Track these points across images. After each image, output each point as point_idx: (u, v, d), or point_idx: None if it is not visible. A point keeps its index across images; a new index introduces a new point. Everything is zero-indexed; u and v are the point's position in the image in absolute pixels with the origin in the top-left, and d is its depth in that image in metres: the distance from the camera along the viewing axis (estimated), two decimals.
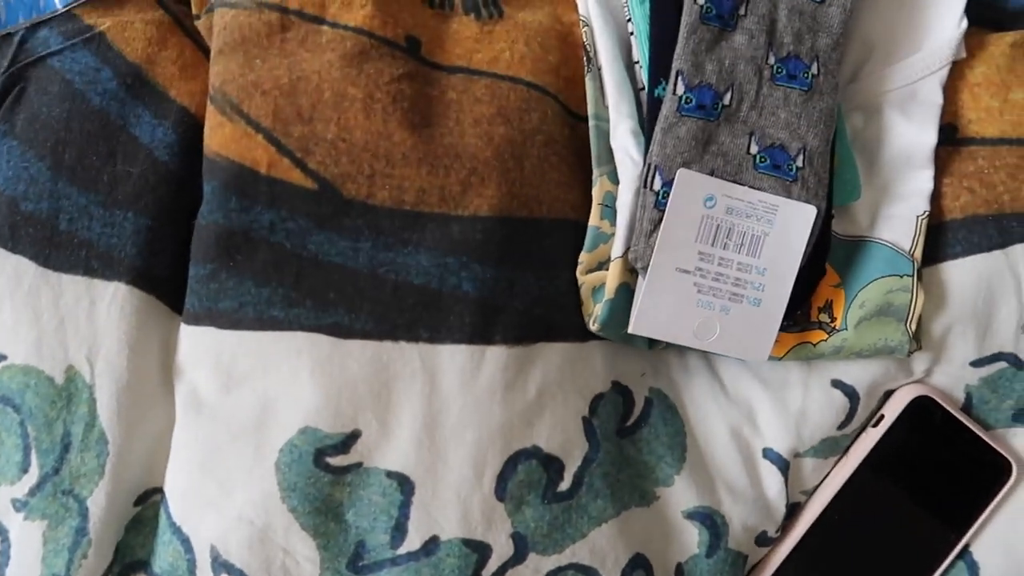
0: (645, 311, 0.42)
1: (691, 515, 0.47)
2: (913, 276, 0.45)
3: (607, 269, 0.44)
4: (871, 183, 0.48)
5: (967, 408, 0.49)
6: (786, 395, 0.47)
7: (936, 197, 0.47)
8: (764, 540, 0.48)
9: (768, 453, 0.47)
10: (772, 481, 0.47)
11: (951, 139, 0.48)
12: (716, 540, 0.47)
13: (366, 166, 0.43)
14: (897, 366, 0.48)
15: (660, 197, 0.43)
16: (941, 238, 0.47)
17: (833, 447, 0.48)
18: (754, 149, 0.44)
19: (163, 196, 0.44)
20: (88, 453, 0.42)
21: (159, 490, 0.44)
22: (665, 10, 0.44)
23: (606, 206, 0.45)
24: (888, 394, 0.49)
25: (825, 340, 0.45)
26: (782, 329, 0.45)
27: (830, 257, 0.47)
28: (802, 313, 0.46)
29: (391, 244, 0.43)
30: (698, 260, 0.42)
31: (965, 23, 0.47)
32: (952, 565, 0.49)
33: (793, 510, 0.49)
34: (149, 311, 0.43)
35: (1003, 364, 0.48)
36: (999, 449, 0.48)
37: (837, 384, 0.47)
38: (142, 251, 0.43)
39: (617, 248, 0.44)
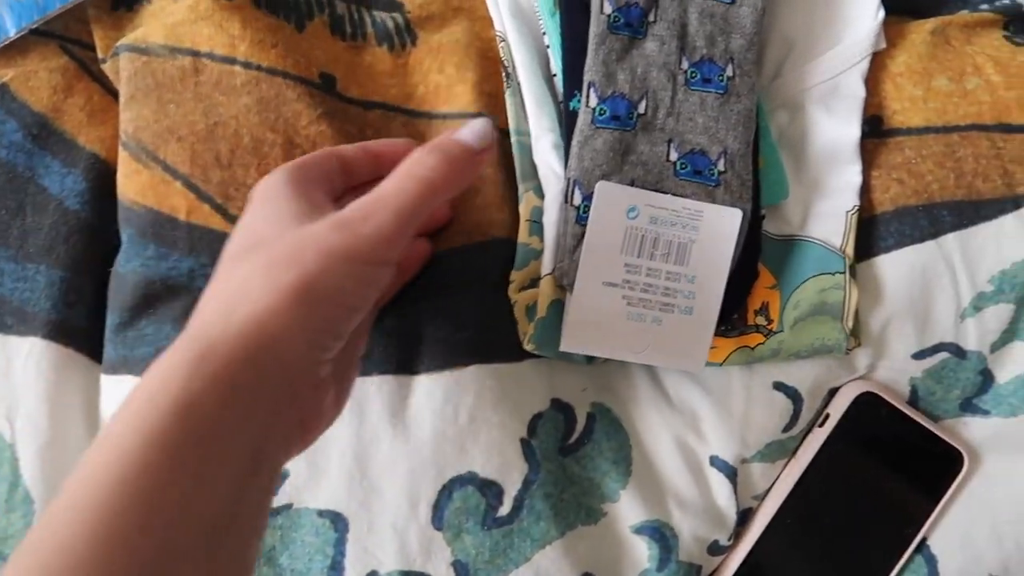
0: (575, 328, 0.42)
1: (639, 530, 0.46)
2: (845, 273, 0.45)
3: (539, 286, 0.44)
4: (800, 180, 0.47)
5: (913, 401, 0.48)
6: (729, 401, 0.47)
7: (866, 190, 0.46)
8: (717, 549, 0.48)
9: (715, 461, 0.47)
10: (721, 489, 0.47)
11: (877, 131, 0.47)
12: (667, 554, 0.46)
13: None
14: (839, 364, 0.47)
15: (581, 212, 0.42)
16: (873, 232, 0.46)
17: (780, 450, 0.47)
18: (674, 156, 0.43)
19: (76, 246, 0.43)
20: (14, 514, 0.41)
21: None
22: (575, 22, 0.44)
23: (534, 222, 0.45)
24: (832, 393, 0.48)
25: (763, 343, 0.45)
26: (720, 334, 0.45)
27: (765, 258, 0.46)
28: (739, 317, 0.46)
29: None
30: (625, 272, 0.42)
31: (883, 13, 0.46)
32: (910, 560, 0.48)
33: (745, 516, 0.48)
34: (68, 364, 0.43)
35: (945, 355, 0.47)
36: (949, 440, 0.48)
37: (779, 387, 0.47)
38: (57, 304, 0.43)
39: (546, 265, 0.43)
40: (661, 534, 0.46)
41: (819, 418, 0.48)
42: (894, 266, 0.46)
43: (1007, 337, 0.47)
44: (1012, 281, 0.45)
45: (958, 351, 0.47)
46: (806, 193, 0.47)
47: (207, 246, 0.42)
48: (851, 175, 0.46)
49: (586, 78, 0.43)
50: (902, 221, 0.46)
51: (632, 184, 0.42)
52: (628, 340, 0.42)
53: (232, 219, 0.42)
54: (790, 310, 0.45)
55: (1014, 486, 0.48)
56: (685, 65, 0.43)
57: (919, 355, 0.47)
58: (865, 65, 0.46)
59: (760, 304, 0.46)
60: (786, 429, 0.47)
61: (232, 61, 0.43)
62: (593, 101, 0.42)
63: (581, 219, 0.42)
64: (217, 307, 0.28)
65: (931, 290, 0.46)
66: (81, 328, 0.44)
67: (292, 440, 0.30)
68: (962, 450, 0.48)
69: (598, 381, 0.48)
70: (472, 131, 0.34)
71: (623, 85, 0.43)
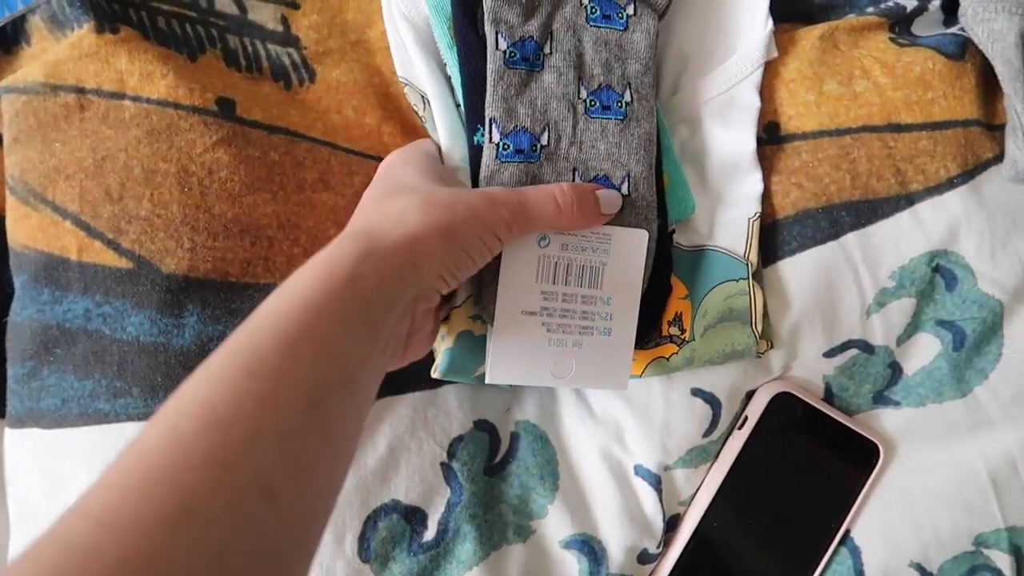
0: (499, 360, 0.41)
1: (568, 544, 0.47)
2: (748, 278, 0.46)
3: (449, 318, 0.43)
4: (705, 192, 0.48)
5: (828, 398, 0.50)
6: (650, 410, 0.47)
7: (767, 196, 0.47)
8: (646, 557, 0.48)
9: (639, 470, 0.47)
10: (646, 497, 0.47)
11: (775, 137, 0.48)
12: (596, 567, 0.47)
13: (186, 240, 0.42)
14: (754, 367, 0.48)
15: None
16: (777, 236, 0.47)
17: (702, 455, 0.48)
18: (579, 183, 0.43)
19: None
20: None
21: None
22: (472, 56, 0.44)
23: None
24: (750, 395, 0.49)
25: (677, 352, 0.45)
26: (637, 347, 0.45)
27: (677, 269, 0.47)
28: (655, 329, 0.47)
29: (219, 316, 0.42)
30: (542, 300, 0.42)
31: (771, 23, 0.47)
32: (835, 552, 0.49)
33: (672, 523, 0.49)
34: None
35: (854, 351, 0.48)
36: (864, 433, 0.49)
37: (697, 392, 0.47)
38: None
39: (458, 296, 0.43)
40: (590, 547, 0.47)
41: (738, 421, 0.49)
42: (798, 268, 0.47)
43: (911, 330, 0.48)
44: (911, 276, 0.47)
45: (866, 347, 0.48)
46: (711, 204, 0.48)
47: (101, 283, 0.41)
48: (751, 183, 0.47)
49: (487, 114, 0.43)
50: (804, 224, 0.47)
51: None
52: (551, 367, 0.42)
53: (124, 252, 0.41)
54: (700, 319, 0.46)
55: (928, 474, 0.49)
56: (584, 94, 0.43)
57: (829, 353, 0.48)
58: (758, 76, 0.47)
59: (674, 315, 0.47)
60: (706, 434, 0.48)
61: (121, 96, 0.42)
62: (496, 137, 0.42)
63: None
64: (379, 220, 0.35)
65: (836, 289, 0.47)
66: None
67: (397, 349, 0.36)
68: (877, 442, 0.49)
69: (523, 399, 0.49)
70: (609, 199, 0.41)
71: (524, 119, 0.42)
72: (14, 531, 0.41)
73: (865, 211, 0.47)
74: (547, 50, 0.43)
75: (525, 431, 0.48)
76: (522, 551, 0.46)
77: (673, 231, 0.47)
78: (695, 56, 0.48)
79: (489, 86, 0.42)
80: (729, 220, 0.47)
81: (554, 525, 0.47)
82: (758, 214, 0.47)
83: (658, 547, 0.48)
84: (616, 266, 0.43)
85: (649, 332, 0.46)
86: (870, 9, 0.50)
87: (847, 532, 0.49)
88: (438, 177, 0.39)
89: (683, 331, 0.46)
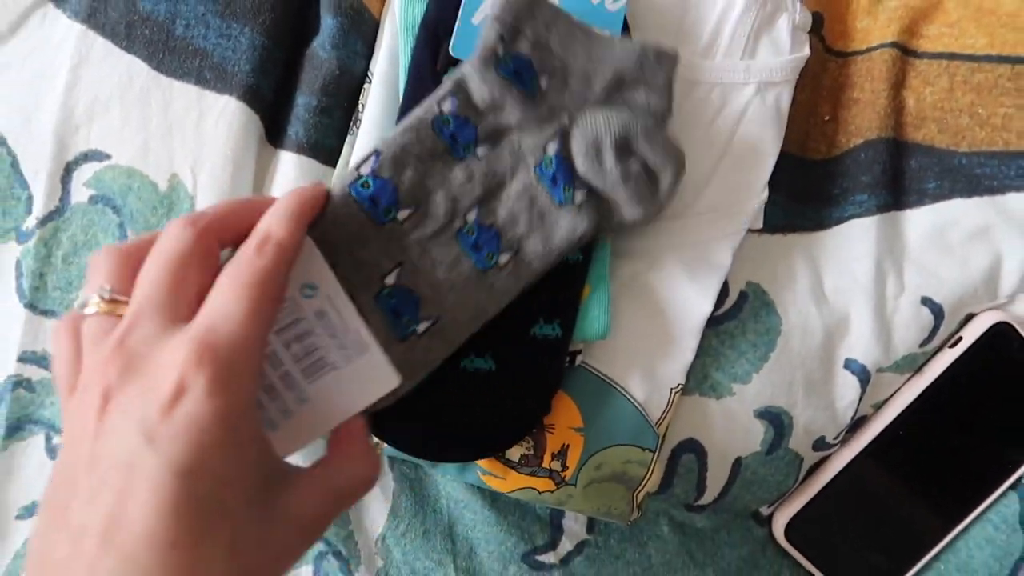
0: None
1: (762, 414, 0.47)
2: (655, 452, 0.44)
3: None
4: (634, 329, 0.44)
5: None
6: (881, 309, 0.47)
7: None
8: (821, 445, 0.48)
9: (851, 364, 0.47)
10: (847, 392, 0.47)
11: None
12: (779, 440, 0.47)
13: None
14: (984, 288, 0.47)
15: None
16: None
17: (912, 363, 0.48)
18: (390, 280, 0.37)
19: (280, 17, 0.43)
20: None
21: None
22: (418, 88, 0.39)
23: None
24: (969, 317, 0.49)
25: (551, 491, 0.43)
26: (512, 466, 0.42)
27: (576, 391, 0.43)
28: (535, 454, 0.43)
29: None
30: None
31: (766, 193, 0.45)
32: (1004, 494, 0.50)
33: (857, 422, 0.49)
34: (252, 130, 0.43)
35: None
36: None
37: (926, 301, 0.47)
38: (255, 69, 0.42)
39: None
40: (780, 420, 0.47)
41: (951, 339, 0.49)
42: None
43: None
44: None
45: None
46: (637, 345, 0.44)
47: None
48: (686, 352, 0.45)
49: (376, 144, 0.37)
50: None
51: (333, 268, 0.35)
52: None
53: None
54: (590, 469, 0.43)
55: None
56: (472, 217, 0.38)
57: None
58: (739, 239, 0.45)
59: (560, 446, 0.43)
60: (923, 344, 0.48)
61: None
62: (366, 169, 0.36)
63: None
64: None
65: None
66: (268, 99, 0.44)
67: None
68: None
69: (756, 258, 0.48)
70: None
71: (405, 182, 0.37)
72: None
73: None
74: (479, 152, 0.38)
75: (754, 293, 0.47)
76: (712, 406, 0.47)
77: (579, 351, 0.43)
78: (679, 195, 0.43)
79: (404, 124, 0.37)
80: (651, 376, 0.44)
81: (754, 393, 0.47)
82: (681, 386, 0.45)
83: (836, 439, 0.49)
84: (342, 382, 0.35)
85: (501, 450, 0.42)
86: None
87: (1021, 478, 0.50)
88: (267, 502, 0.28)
89: (565, 468, 0.43)
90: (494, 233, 0.38)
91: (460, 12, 0.39)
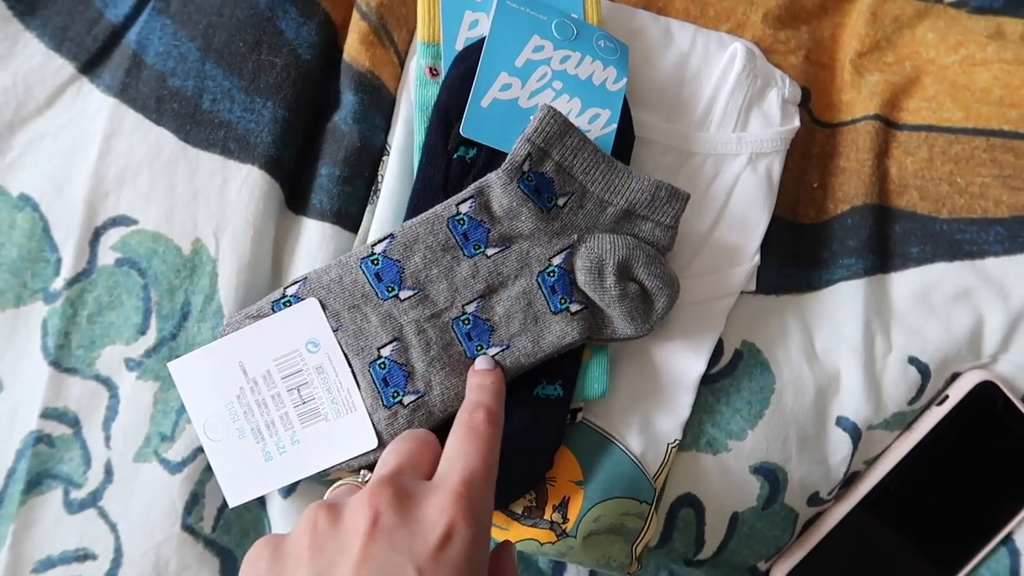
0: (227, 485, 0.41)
1: (757, 469, 0.48)
2: (652, 505, 0.45)
3: None
4: (632, 387, 0.46)
5: None
6: (870, 367, 0.49)
7: None
8: (816, 500, 0.50)
9: (842, 421, 0.49)
10: (840, 447, 0.49)
11: None
12: (774, 495, 0.49)
13: None
14: (968, 348, 0.50)
15: (280, 302, 0.41)
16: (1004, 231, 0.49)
17: (901, 421, 0.50)
18: (385, 352, 0.40)
19: (301, 92, 0.46)
20: (204, 324, 0.43)
21: None
22: (432, 166, 0.43)
23: None
24: (954, 376, 0.51)
25: (552, 543, 0.44)
26: (516, 518, 0.44)
27: (576, 445, 0.45)
28: (537, 507, 0.45)
29: None
30: (262, 374, 0.40)
31: (758, 258, 0.48)
32: (994, 550, 0.51)
33: (850, 478, 0.51)
34: (273, 197, 0.45)
35: None
36: None
37: (913, 361, 0.49)
38: (276, 140, 0.45)
39: None
40: (775, 476, 0.49)
41: (938, 397, 0.51)
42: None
43: None
44: None
45: None
46: (634, 398, 0.46)
47: None
48: (682, 408, 0.47)
49: (393, 228, 0.41)
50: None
51: (335, 332, 0.40)
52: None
53: None
54: (589, 521, 0.44)
55: None
56: (471, 309, 0.41)
57: None
58: (732, 301, 0.48)
59: (560, 499, 0.45)
60: (911, 402, 0.50)
61: None
62: (379, 248, 0.40)
63: (276, 306, 0.41)
64: None
65: None
66: (288, 168, 0.46)
67: None
68: None
69: (751, 318, 0.50)
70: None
71: (413, 265, 0.40)
72: None
73: None
74: (488, 251, 0.41)
75: (749, 351, 0.49)
76: (709, 461, 0.48)
77: (579, 409, 0.45)
78: (673, 257, 0.47)
79: (420, 218, 0.41)
80: (648, 431, 0.46)
81: (749, 449, 0.48)
82: (678, 441, 0.47)
83: (829, 494, 0.50)
84: (332, 432, 0.40)
85: (508, 502, 0.44)
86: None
87: (1010, 533, 0.51)
88: None
89: (566, 520, 0.44)
90: (488, 327, 0.41)
91: (470, 97, 0.42)
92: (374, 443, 0.40)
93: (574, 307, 0.41)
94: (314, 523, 0.29)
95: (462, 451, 0.32)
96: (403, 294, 0.40)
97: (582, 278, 0.42)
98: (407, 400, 0.40)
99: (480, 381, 0.38)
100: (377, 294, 0.40)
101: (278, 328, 0.40)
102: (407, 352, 0.40)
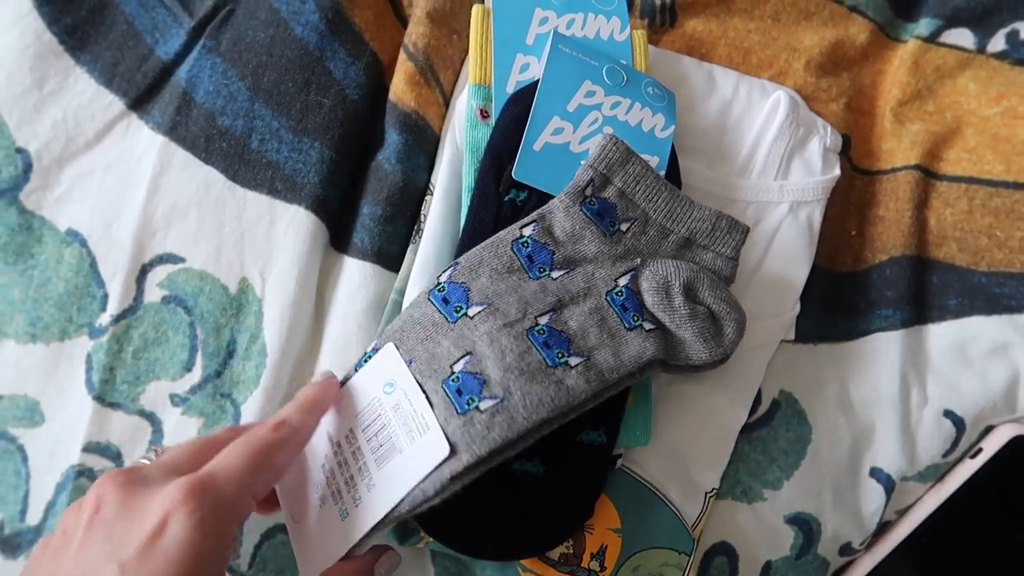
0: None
1: (791, 519, 0.48)
2: (691, 555, 0.45)
3: None
4: (674, 436, 0.46)
5: None
6: (905, 420, 0.49)
7: None
8: (847, 550, 0.50)
9: (877, 473, 0.49)
10: (874, 498, 0.49)
11: None
12: (808, 545, 0.49)
13: None
14: (1003, 402, 0.50)
15: (362, 360, 0.40)
16: None
17: (935, 473, 0.50)
18: (457, 368, 0.38)
19: (348, 132, 0.46)
20: (249, 362, 0.44)
21: None
22: (483, 209, 0.43)
23: None
24: (988, 429, 0.51)
25: None
26: (553, 564, 0.44)
27: (615, 493, 0.45)
28: (575, 554, 0.44)
29: None
30: (344, 435, 0.39)
31: (798, 307, 0.48)
32: None
33: (881, 528, 0.51)
34: (319, 237, 0.45)
35: None
36: None
37: (948, 414, 0.49)
38: (323, 180, 0.45)
39: None
40: (809, 527, 0.49)
41: (972, 450, 0.51)
42: None
43: None
44: None
45: None
46: (676, 452, 0.46)
47: None
48: (721, 458, 0.47)
49: (458, 256, 0.41)
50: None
51: (409, 364, 0.38)
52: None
53: None
54: (627, 570, 0.44)
55: None
56: (544, 321, 0.39)
57: None
58: (771, 351, 0.48)
59: (599, 547, 0.44)
60: (945, 455, 0.50)
61: None
62: (444, 277, 0.40)
63: (357, 366, 0.40)
64: None
65: None
66: (334, 208, 0.46)
67: None
68: None
69: (789, 367, 0.50)
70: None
71: (479, 286, 0.40)
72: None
73: None
74: (554, 274, 0.41)
75: (787, 401, 0.49)
76: (743, 511, 0.48)
77: (620, 455, 0.45)
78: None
79: (485, 243, 0.40)
80: (686, 481, 0.46)
81: (784, 499, 0.48)
82: (715, 490, 0.47)
83: (861, 544, 0.50)
84: (405, 462, 0.37)
85: (555, 545, 0.43)
86: None
87: None
88: None
89: (604, 569, 0.44)
90: (565, 337, 0.39)
91: (523, 141, 0.42)
92: (446, 451, 0.36)
93: (647, 325, 0.40)
94: (70, 513, 0.30)
95: (229, 450, 0.32)
96: (472, 311, 0.39)
97: (650, 299, 0.41)
98: (484, 406, 0.37)
99: (299, 394, 0.37)
100: (446, 318, 0.39)
101: (360, 384, 0.39)
102: (481, 363, 0.38)
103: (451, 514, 0.42)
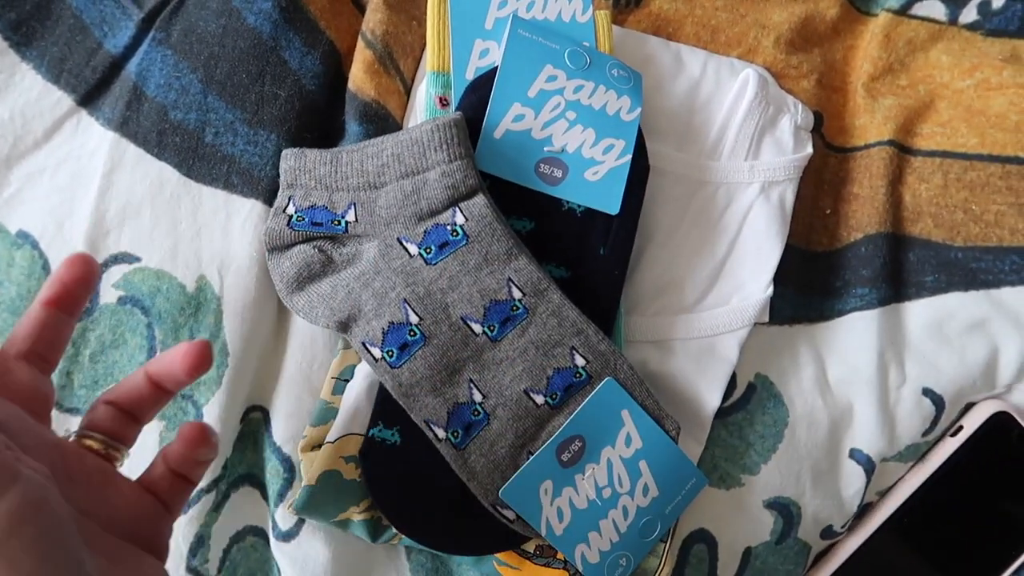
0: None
1: (771, 504, 0.48)
2: (667, 542, 0.44)
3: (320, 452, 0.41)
4: None
5: None
6: (883, 400, 0.48)
7: None
8: (829, 533, 0.49)
9: (856, 454, 0.48)
10: (854, 480, 0.48)
11: None
12: (788, 529, 0.48)
13: None
14: (982, 378, 0.49)
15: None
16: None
17: (915, 452, 0.49)
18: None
19: (305, 125, 0.45)
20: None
21: (257, 408, 0.45)
22: None
23: (341, 380, 0.43)
24: (968, 406, 0.50)
25: None
26: (528, 557, 0.44)
27: None
28: (549, 546, 0.42)
29: None
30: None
31: (771, 289, 0.47)
32: None
33: (863, 510, 0.50)
34: None
35: None
36: None
37: (927, 392, 0.48)
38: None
39: (334, 430, 0.41)
40: (789, 511, 0.48)
41: (952, 428, 0.50)
42: None
43: None
44: None
45: None
46: None
47: None
48: (696, 443, 0.46)
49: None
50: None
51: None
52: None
53: None
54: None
55: None
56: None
57: None
58: (745, 333, 0.47)
59: None
60: (925, 433, 0.49)
61: None
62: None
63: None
64: None
65: None
66: None
67: None
68: None
69: (764, 349, 0.49)
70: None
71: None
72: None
73: None
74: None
75: (762, 384, 0.49)
76: (721, 497, 0.48)
77: None
78: (686, 289, 0.47)
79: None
80: None
81: (763, 484, 0.48)
82: (693, 483, 0.44)
83: (843, 527, 0.49)
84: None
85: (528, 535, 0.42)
86: None
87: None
88: None
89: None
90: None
91: (483, 128, 0.41)
92: None
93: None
94: None
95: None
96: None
97: None
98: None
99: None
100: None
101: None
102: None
103: (424, 511, 0.41)
